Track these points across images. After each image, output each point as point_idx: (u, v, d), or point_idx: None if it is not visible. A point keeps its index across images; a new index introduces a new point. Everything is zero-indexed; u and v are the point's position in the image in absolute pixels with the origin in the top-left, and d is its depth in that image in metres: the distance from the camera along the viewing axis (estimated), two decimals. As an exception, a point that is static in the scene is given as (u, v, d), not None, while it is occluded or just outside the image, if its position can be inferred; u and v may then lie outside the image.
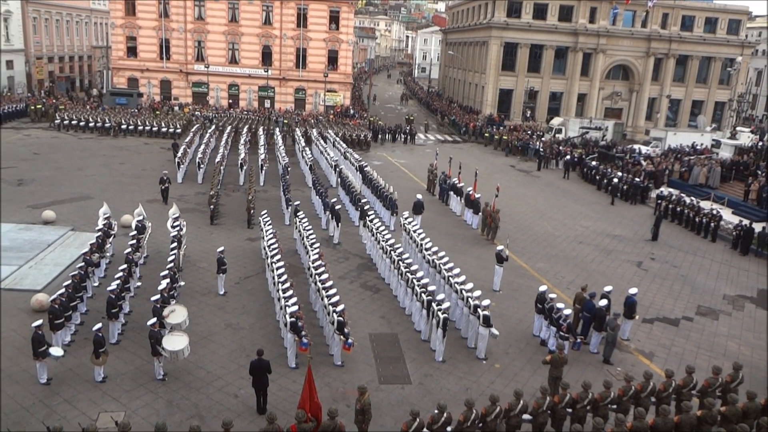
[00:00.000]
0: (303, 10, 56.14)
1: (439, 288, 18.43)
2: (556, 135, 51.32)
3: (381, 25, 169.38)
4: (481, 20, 64.00)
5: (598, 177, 38.65)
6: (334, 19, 56.99)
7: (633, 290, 17.88)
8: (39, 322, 13.79)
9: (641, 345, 17.71)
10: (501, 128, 54.54)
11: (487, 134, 52.97)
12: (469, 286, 17.42)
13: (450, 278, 18.21)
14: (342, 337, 14.97)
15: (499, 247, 20.90)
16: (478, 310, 16.03)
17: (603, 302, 17.00)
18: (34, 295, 17.65)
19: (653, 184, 37.45)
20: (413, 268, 18.65)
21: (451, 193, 31.20)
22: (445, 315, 15.71)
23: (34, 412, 12.88)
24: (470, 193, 28.65)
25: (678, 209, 31.66)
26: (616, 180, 36.46)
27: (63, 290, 15.55)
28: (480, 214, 27.48)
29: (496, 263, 20.76)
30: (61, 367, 14.39)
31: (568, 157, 43.25)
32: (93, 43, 73.31)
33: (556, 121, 54.45)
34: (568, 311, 16.37)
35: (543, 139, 50.26)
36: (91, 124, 45.51)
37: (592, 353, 16.82)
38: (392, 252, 19.98)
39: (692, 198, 32.48)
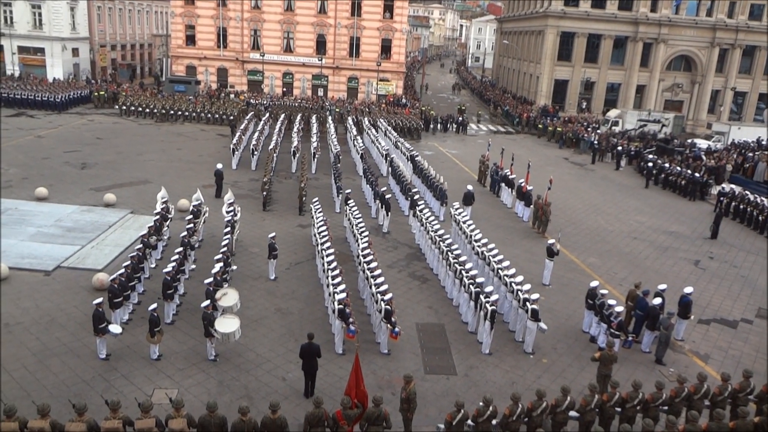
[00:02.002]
0: (357, -1, 56.32)
1: (487, 280, 18.33)
2: (613, 127, 50.00)
3: (435, 13, 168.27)
4: (537, 9, 62.74)
5: (655, 171, 37.48)
6: (389, 7, 56.85)
7: (688, 289, 17.34)
8: (99, 300, 14.41)
9: (696, 346, 17.19)
10: (555, 120, 53.48)
11: (540, 125, 52.04)
12: (519, 279, 17.24)
13: (499, 270, 18.07)
14: (389, 325, 15.07)
15: (550, 241, 20.61)
16: (527, 303, 15.87)
17: (657, 300, 16.55)
18: (95, 274, 18.42)
19: (714, 180, 36.08)
20: (462, 259, 18.59)
21: (503, 184, 30.86)
22: (493, 307, 15.62)
23: (94, 385, 13.49)
24: (522, 185, 28.26)
25: (740, 207, 30.43)
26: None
27: (122, 270, 16.20)
28: (531, 206, 27.11)
29: (546, 257, 20.49)
30: (119, 344, 14.99)
31: (620, 147, 42.16)
32: (153, 32, 75.34)
33: (612, 113, 53.02)
34: (619, 308, 16.01)
35: (598, 131, 49.04)
36: (148, 111, 46.95)
37: (644, 352, 16.43)
38: (441, 242, 19.94)
39: (756, 195, 31.15)
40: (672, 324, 16.03)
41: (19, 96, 47.21)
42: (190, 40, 58.48)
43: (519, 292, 16.49)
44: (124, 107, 47.39)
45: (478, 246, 20.23)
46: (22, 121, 42.34)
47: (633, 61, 59.26)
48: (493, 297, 16.11)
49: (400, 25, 57.53)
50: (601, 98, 61.08)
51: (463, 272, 17.66)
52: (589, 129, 49.63)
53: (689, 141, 46.14)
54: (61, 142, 36.62)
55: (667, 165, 37.67)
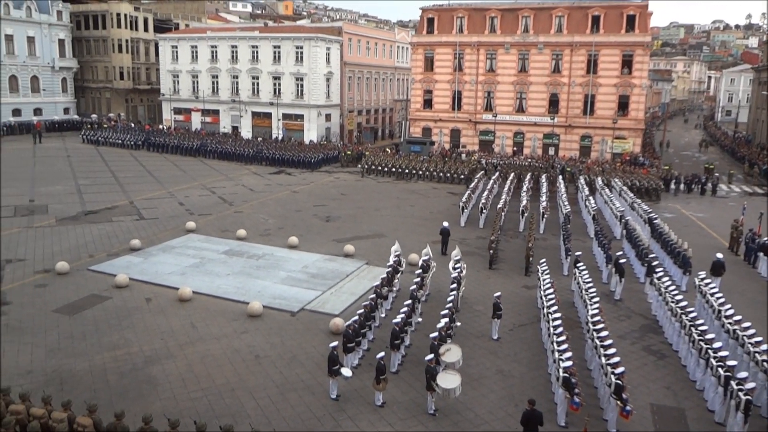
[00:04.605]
0: (594, 56, 55.03)
1: (740, 363, 16.03)
2: None
3: (678, 66, 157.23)
4: (808, 56, 55.18)
5: None
6: (627, 63, 54.57)
7: None
8: (335, 343, 15.66)
9: None
10: (832, 181, 45.80)
11: (811, 187, 44.97)
12: (782, 366, 14.81)
13: (756, 354, 15.73)
14: (619, 402, 13.91)
15: (826, 324, 17.44)
16: (793, 397, 13.52)
17: None
18: (332, 318, 20.02)
19: None
20: (709, 336, 16.58)
21: (761, 254, 27.08)
22: (748, 397, 13.56)
23: (324, 423, 14.51)
24: (787, 256, 24.54)
25: None
26: None
27: (356, 317, 17.41)
28: (799, 281, 23.32)
29: (820, 343, 17.32)
30: (348, 387, 15.98)
31: None
32: (395, 97, 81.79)
33: None
34: None
35: None
36: (387, 169, 50.57)
37: None
38: (683, 315, 18.04)
39: None
40: None
41: (280, 156, 54.37)
42: (427, 103, 62.21)
43: (782, 382, 14.14)
44: (366, 166, 51.71)
45: (729, 323, 17.89)
46: (281, 178, 48.49)
47: None
48: (749, 385, 14.01)
49: (640, 80, 54.72)
50: None
51: (710, 351, 15.72)
52: None
53: None
54: (311, 197, 41.05)
55: None
